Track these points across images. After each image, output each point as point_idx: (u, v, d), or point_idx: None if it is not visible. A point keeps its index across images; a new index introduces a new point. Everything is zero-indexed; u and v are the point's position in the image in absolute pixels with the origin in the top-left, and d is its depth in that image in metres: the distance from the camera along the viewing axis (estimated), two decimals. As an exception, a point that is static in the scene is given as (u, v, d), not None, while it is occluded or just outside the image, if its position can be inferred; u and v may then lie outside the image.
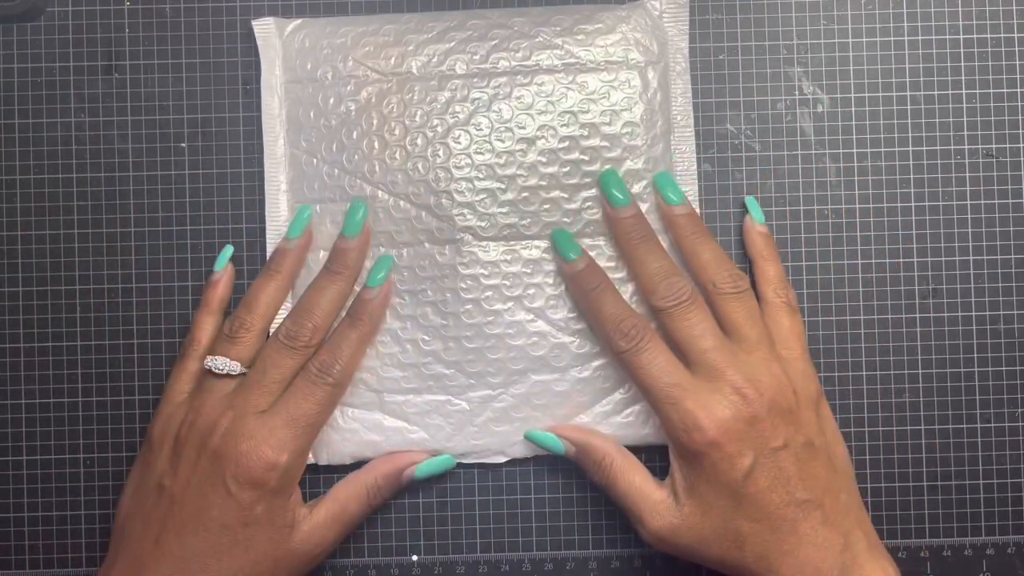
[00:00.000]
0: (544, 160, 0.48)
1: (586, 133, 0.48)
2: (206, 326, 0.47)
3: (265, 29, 0.49)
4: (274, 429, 0.44)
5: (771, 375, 0.44)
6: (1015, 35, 0.49)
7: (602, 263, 0.47)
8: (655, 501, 0.44)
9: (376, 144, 0.48)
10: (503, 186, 0.48)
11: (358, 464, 0.48)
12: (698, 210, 0.48)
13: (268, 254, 0.48)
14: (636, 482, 0.45)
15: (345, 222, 0.47)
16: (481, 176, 0.48)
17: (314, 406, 0.44)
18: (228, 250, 0.48)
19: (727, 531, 0.43)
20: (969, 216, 0.49)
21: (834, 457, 0.45)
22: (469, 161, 0.48)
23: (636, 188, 0.48)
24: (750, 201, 0.49)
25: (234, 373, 0.45)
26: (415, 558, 0.48)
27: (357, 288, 0.47)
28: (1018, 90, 0.49)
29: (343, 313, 0.47)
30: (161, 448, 0.45)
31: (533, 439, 0.47)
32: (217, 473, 0.43)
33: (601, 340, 0.47)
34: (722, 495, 0.43)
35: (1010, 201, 0.49)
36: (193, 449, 0.44)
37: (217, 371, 0.45)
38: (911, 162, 0.49)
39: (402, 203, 0.48)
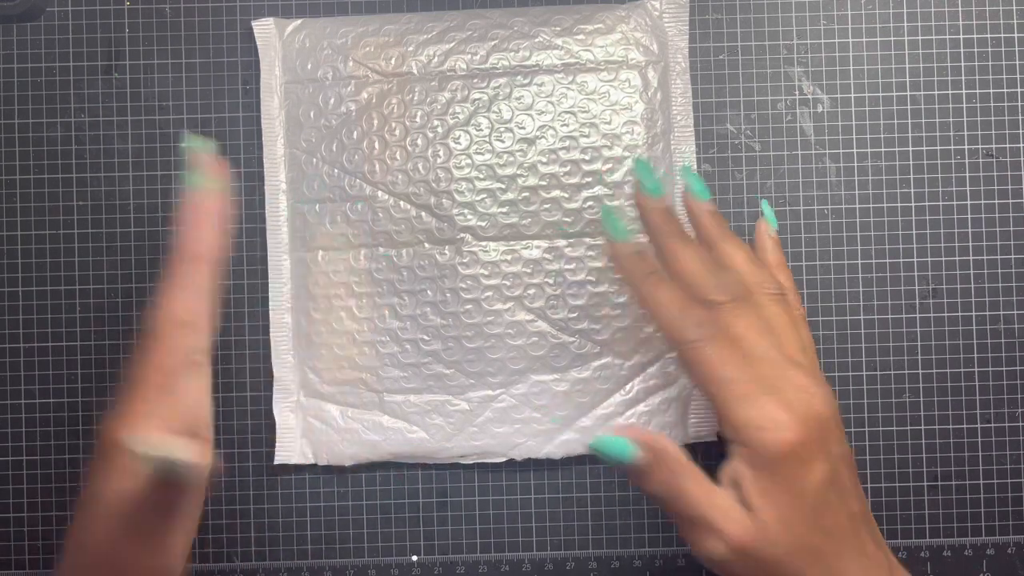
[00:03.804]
0: (544, 160, 0.48)
1: (586, 132, 0.48)
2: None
3: (265, 29, 0.49)
4: None
5: (819, 378, 0.41)
6: (1015, 35, 0.49)
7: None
8: (726, 508, 0.39)
9: (376, 144, 0.48)
10: (503, 186, 0.48)
11: (357, 464, 0.48)
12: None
13: (268, 254, 0.48)
14: (705, 488, 0.39)
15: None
16: (481, 176, 0.48)
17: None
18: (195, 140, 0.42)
19: (804, 545, 0.38)
20: (969, 216, 0.49)
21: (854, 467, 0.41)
22: (469, 161, 0.48)
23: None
24: (765, 205, 0.46)
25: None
26: (415, 558, 0.48)
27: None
28: (1018, 90, 0.49)
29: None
30: None
31: (598, 448, 0.40)
32: None
33: (663, 327, 0.41)
34: (801, 505, 0.38)
35: (1010, 201, 0.49)
36: None
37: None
38: (911, 162, 0.49)
39: (402, 203, 0.48)
